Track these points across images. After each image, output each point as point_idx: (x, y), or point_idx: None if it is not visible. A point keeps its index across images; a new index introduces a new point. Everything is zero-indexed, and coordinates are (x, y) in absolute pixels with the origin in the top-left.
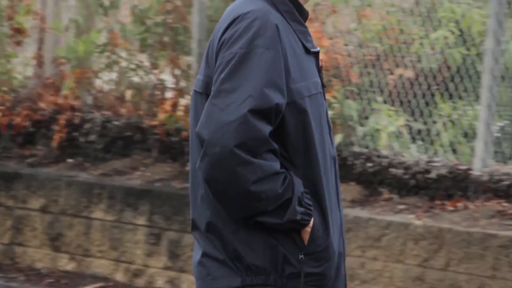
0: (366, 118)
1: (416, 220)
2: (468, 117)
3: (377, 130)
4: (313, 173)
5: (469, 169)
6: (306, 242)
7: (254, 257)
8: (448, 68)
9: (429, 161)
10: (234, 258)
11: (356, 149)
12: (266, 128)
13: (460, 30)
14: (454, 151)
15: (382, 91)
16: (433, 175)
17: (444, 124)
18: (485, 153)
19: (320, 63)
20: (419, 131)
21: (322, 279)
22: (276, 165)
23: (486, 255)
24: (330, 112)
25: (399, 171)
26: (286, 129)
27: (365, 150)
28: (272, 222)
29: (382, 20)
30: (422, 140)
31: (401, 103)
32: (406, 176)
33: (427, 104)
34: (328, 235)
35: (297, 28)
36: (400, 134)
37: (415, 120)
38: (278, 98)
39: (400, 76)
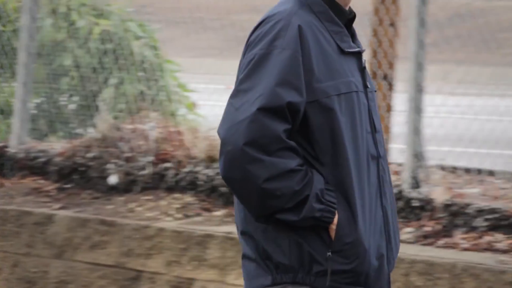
0: None
1: None
2: (4, 94)
3: None
4: (341, 171)
5: (5, 146)
6: (333, 239)
7: (282, 256)
8: None
9: None
10: (265, 257)
11: None
12: (279, 126)
13: None
14: None
15: None
16: None
17: None
18: (21, 130)
19: (363, 64)
20: None
21: (354, 276)
22: (291, 162)
23: (21, 232)
24: None
25: None
26: (310, 127)
27: None
28: (290, 220)
29: None
30: None
31: None
32: None
33: None
34: (356, 232)
35: (332, 29)
36: None
37: None
38: (291, 96)
39: None
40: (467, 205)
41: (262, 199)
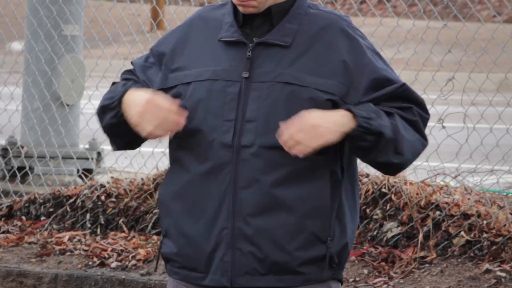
0: None
1: None
2: None
3: None
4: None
5: None
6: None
7: None
8: None
9: None
10: None
11: None
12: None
13: None
14: None
15: None
16: None
17: None
18: None
19: (248, 54)
20: None
21: (183, 261)
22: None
23: None
24: None
25: None
26: None
27: None
28: None
29: None
30: None
31: None
32: None
33: None
34: (174, 214)
35: (226, 21)
36: None
37: None
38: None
39: None
40: None
41: None
